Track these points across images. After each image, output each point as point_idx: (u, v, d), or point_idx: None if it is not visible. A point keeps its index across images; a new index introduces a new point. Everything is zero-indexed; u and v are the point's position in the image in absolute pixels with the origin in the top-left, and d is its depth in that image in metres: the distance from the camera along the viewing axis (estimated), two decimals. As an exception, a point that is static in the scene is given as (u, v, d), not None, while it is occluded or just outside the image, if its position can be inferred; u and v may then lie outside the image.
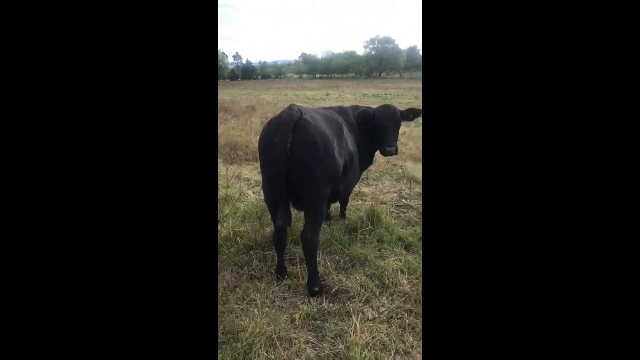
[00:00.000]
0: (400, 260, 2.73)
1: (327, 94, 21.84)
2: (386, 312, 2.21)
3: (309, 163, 2.18)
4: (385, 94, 21.05)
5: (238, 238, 3.06)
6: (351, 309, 2.22)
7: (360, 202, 4.01)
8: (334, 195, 2.53)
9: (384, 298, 2.34)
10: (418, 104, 13.38)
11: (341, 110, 2.93)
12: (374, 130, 2.90)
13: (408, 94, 21.30)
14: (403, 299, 2.33)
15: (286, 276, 2.60)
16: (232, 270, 2.69)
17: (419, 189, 4.40)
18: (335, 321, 2.15)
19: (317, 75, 55.87)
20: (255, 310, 2.20)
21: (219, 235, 3.11)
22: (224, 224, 3.35)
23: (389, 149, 2.85)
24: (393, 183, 4.75)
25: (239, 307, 2.27)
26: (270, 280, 2.57)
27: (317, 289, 2.39)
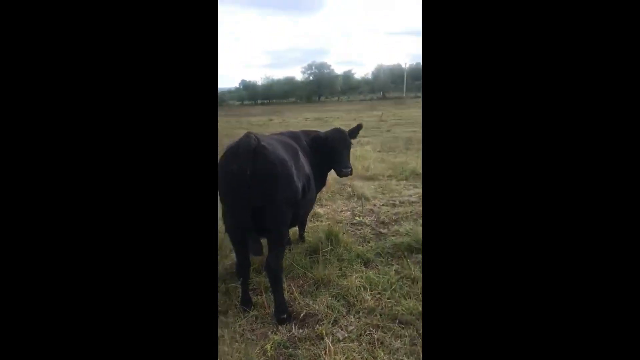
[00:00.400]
0: (362, 277, 2.81)
1: (270, 119, 22.00)
2: (355, 330, 2.26)
3: (270, 190, 2.20)
4: (327, 117, 21.71)
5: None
6: (322, 332, 2.24)
7: (317, 223, 4.07)
8: (294, 219, 2.55)
9: (351, 316, 2.40)
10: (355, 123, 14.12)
11: (293, 135, 3.01)
12: (328, 154, 3.04)
13: (347, 116, 22.18)
14: (369, 315, 2.40)
15: (252, 307, 2.56)
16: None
17: (369, 205, 4.59)
18: (307, 346, 2.15)
19: (259, 101, 56.24)
20: (225, 347, 2.13)
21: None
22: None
23: (345, 170, 3.01)
24: (345, 202, 4.90)
25: (206, 346, 2.18)
26: (236, 313, 2.51)
27: (285, 316, 2.38)
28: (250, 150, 2.16)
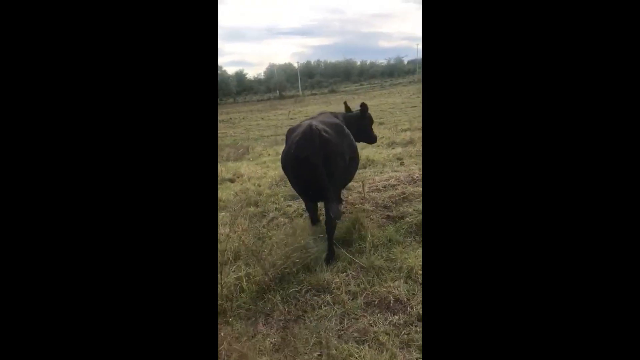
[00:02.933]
0: (410, 258, 2.85)
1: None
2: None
3: (331, 168, 2.85)
4: (230, 119, 20.93)
5: (243, 284, 2.61)
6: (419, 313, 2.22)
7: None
8: (345, 182, 3.46)
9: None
10: (264, 123, 14.01)
11: (333, 116, 3.64)
12: (363, 128, 3.91)
13: (252, 116, 21.76)
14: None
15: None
16: (263, 322, 2.29)
17: (355, 194, 4.64)
18: (417, 330, 2.11)
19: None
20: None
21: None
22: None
23: (375, 137, 4.18)
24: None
25: None
26: (318, 317, 2.31)
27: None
28: (316, 139, 2.77)
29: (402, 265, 2.75)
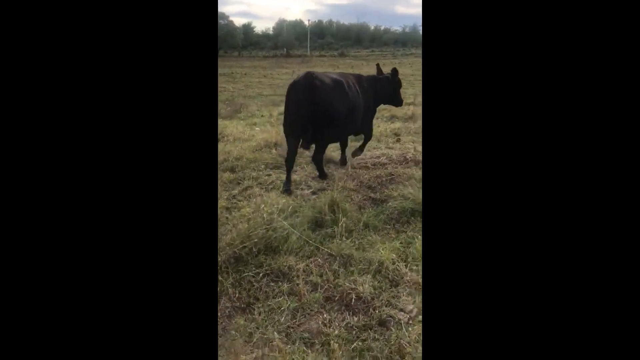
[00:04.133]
0: (386, 249, 2.58)
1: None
2: (416, 310, 2.05)
3: (317, 116, 3.47)
4: (232, 73, 20.15)
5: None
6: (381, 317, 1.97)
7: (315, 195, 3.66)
8: (337, 136, 3.99)
9: (402, 295, 2.17)
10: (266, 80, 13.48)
11: (348, 75, 4.12)
12: (389, 92, 4.42)
13: (254, 72, 20.97)
14: (419, 291, 2.20)
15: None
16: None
17: (343, 170, 4.32)
18: (375, 336, 1.87)
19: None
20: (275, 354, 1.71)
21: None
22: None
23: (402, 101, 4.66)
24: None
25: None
26: (269, 309, 2.06)
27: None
28: (308, 85, 3.42)
29: (373, 257, 2.48)
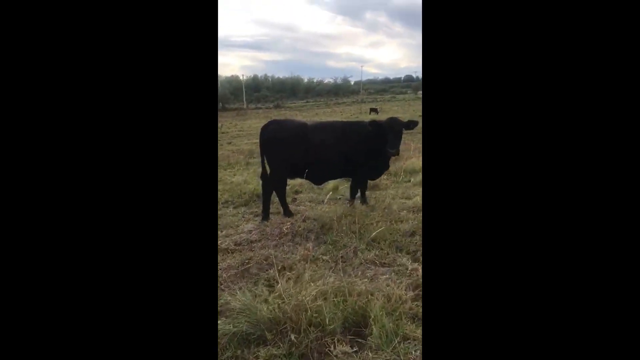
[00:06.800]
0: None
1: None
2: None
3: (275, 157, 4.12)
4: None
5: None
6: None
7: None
8: (321, 177, 4.32)
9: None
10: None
11: (337, 123, 4.38)
12: (383, 137, 3.90)
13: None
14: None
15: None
16: None
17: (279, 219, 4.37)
18: None
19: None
20: None
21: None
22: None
23: (391, 150, 3.85)
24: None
25: None
26: None
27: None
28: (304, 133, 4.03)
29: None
